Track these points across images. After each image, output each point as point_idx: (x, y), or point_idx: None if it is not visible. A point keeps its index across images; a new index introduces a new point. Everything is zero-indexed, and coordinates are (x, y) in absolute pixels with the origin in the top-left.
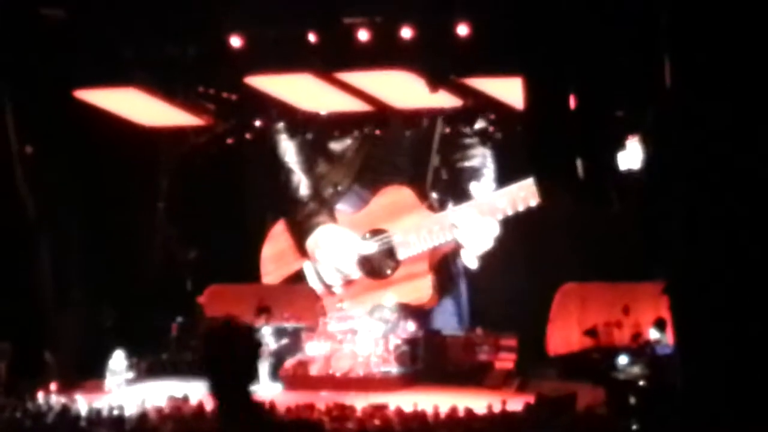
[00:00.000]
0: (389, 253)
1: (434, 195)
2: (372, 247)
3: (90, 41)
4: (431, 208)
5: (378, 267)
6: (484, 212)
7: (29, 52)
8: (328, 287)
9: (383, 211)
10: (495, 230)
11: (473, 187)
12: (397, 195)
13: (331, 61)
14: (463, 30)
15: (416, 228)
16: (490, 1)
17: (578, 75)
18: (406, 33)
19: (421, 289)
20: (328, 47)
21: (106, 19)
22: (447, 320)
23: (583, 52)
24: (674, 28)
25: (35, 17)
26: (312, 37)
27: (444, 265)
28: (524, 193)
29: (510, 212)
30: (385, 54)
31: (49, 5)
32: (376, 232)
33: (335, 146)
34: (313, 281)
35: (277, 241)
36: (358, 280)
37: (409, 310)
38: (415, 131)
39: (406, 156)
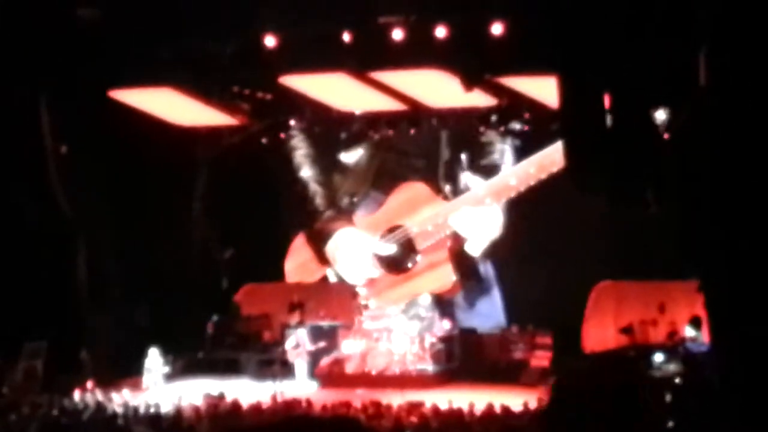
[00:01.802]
0: (408, 245)
1: (448, 187)
2: (390, 248)
3: (125, 42)
4: (446, 198)
5: (398, 262)
6: (495, 194)
7: (65, 53)
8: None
9: (400, 208)
10: (498, 218)
11: (465, 177)
12: (412, 191)
13: (365, 60)
14: (497, 29)
15: (433, 218)
16: (524, 0)
17: (613, 74)
18: (441, 32)
19: (443, 277)
20: (362, 47)
21: (141, 20)
22: (482, 323)
23: (617, 51)
24: (710, 27)
25: (72, 18)
26: (347, 37)
27: (465, 253)
28: (534, 169)
29: (522, 189)
30: (419, 53)
31: (86, 6)
32: (393, 229)
33: (347, 158)
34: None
35: (298, 254)
36: (381, 277)
37: (436, 304)
38: (425, 132)
39: (420, 157)
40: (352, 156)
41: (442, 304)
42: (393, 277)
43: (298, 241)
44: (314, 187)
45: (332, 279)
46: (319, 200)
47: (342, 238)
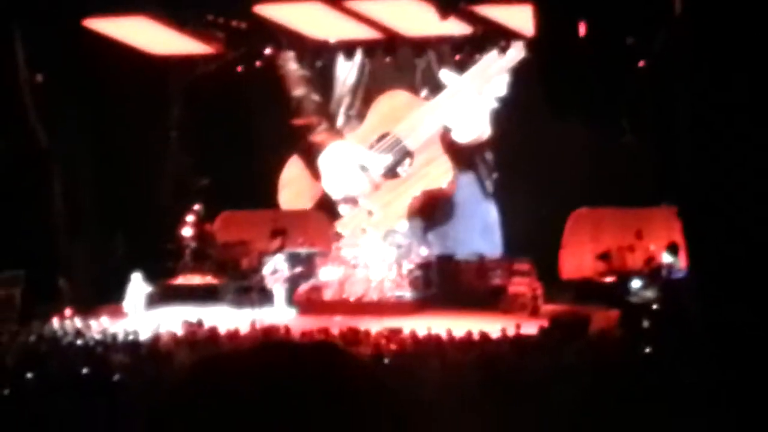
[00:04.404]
0: (401, 150)
1: (426, 91)
2: (386, 158)
3: None
4: (428, 99)
5: (395, 167)
6: (480, 82)
7: None
8: (353, 200)
9: (384, 118)
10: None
11: (443, 75)
12: (393, 99)
13: None
14: None
15: (419, 118)
16: None
17: (588, 2)
18: None
19: (441, 172)
20: None
21: None
22: (475, 242)
23: None
24: None
25: None
26: None
27: (457, 147)
28: (514, 52)
29: (504, 71)
30: None
31: None
32: (381, 138)
33: (339, 73)
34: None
35: (291, 186)
36: (381, 184)
37: (438, 200)
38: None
39: (404, 71)
40: (342, 71)
41: (435, 232)
42: (393, 182)
43: (287, 172)
44: (308, 104)
45: (333, 196)
46: (313, 116)
47: (334, 152)
